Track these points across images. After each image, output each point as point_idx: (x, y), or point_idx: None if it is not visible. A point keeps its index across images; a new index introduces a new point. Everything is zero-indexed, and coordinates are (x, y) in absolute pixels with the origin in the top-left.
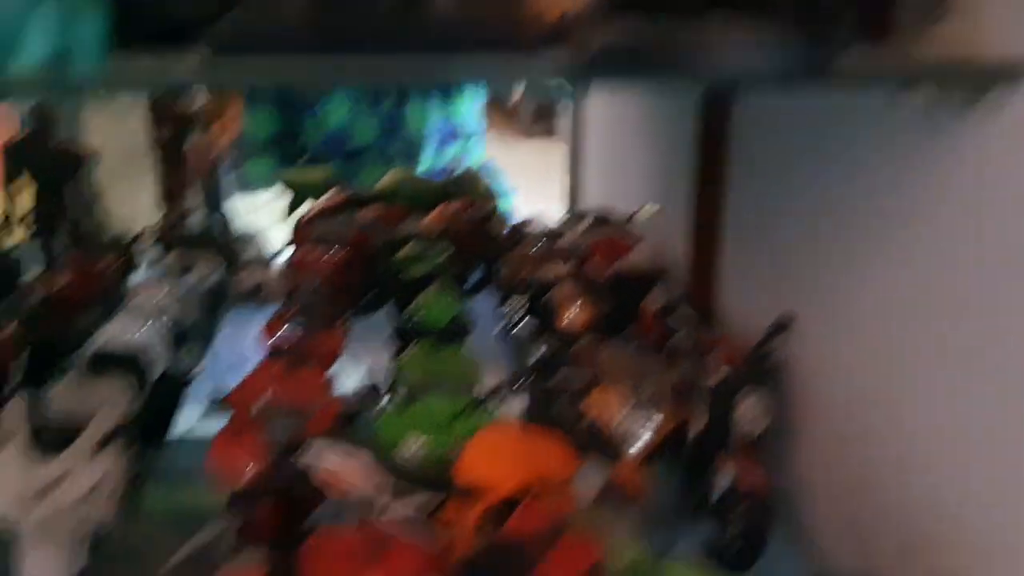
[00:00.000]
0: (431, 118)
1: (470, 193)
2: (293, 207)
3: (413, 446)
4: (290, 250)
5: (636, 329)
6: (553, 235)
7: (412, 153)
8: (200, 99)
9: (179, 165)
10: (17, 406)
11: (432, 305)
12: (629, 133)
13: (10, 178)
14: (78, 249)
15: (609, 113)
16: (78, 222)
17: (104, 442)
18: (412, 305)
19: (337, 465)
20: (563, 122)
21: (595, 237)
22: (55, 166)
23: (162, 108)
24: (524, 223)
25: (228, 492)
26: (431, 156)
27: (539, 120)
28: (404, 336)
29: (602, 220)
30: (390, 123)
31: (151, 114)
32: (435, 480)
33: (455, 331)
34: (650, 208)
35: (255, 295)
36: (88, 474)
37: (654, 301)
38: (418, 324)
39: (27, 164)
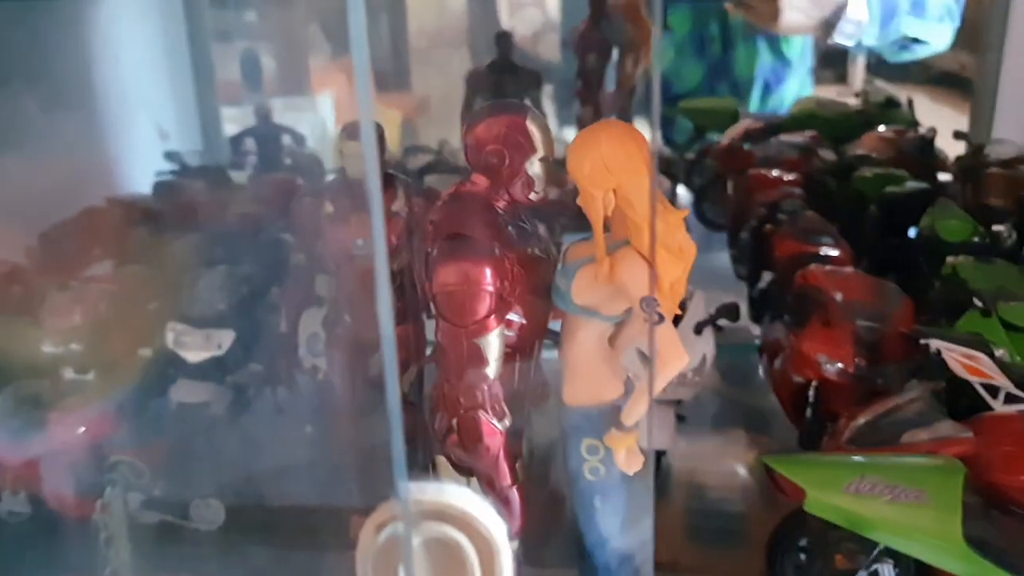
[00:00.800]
0: (760, 60)
1: (891, 120)
2: (699, 133)
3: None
4: (722, 173)
5: None
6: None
7: (739, 95)
8: None
9: (599, 91)
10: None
11: (945, 221)
12: None
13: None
14: None
15: None
16: None
17: (705, 325)
18: (924, 221)
19: (964, 356)
20: (856, 67)
21: None
22: (515, 86)
23: (587, 39)
24: (976, 150)
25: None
26: (758, 97)
27: (827, 66)
28: (915, 248)
29: None
30: (717, 67)
31: (576, 44)
32: None
33: (979, 246)
34: None
35: None
36: (691, 351)
37: None
38: (931, 239)
39: (487, 85)
